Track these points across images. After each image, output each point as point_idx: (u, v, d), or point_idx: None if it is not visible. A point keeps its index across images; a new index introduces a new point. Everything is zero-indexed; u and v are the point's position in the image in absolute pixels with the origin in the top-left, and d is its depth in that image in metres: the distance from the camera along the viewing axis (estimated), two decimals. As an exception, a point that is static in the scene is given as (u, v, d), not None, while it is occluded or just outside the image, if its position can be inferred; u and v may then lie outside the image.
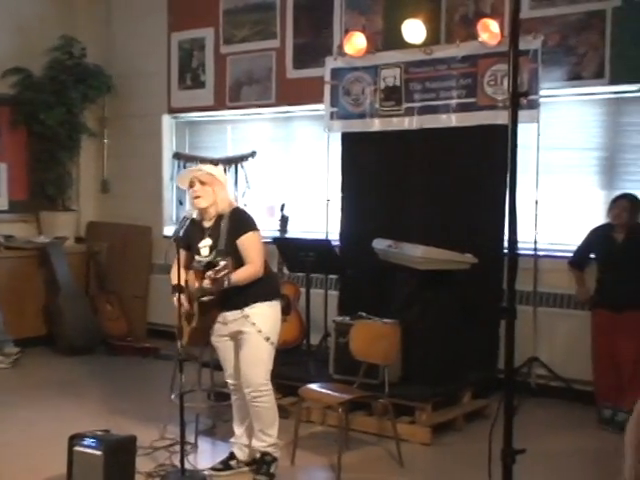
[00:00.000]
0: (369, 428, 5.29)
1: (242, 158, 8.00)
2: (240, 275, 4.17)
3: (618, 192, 5.90)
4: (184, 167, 8.18)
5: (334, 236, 7.09)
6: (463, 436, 5.33)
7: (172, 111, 8.55)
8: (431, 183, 6.55)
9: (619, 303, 5.56)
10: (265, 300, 4.31)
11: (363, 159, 6.95)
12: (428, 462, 4.97)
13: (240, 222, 4.30)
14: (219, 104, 8.11)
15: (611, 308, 5.64)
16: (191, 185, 4.30)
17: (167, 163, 8.59)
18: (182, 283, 4.20)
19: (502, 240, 6.06)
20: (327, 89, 7.08)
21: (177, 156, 8.51)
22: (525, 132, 5.56)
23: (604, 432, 5.46)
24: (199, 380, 5.32)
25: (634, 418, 1.90)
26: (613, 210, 5.72)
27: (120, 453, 4.05)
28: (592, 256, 5.93)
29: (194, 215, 4.37)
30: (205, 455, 4.91)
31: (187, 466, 4.33)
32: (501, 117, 6.04)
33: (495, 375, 5.87)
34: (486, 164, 6.20)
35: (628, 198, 5.71)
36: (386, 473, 4.69)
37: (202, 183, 4.27)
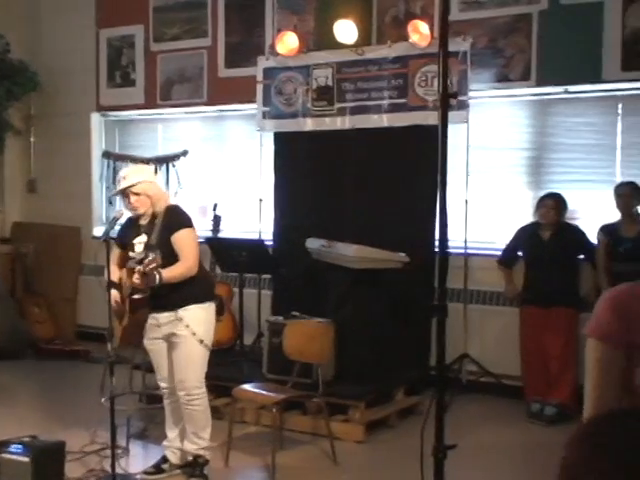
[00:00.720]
0: (303, 427, 5.30)
1: (173, 157, 7.91)
2: (172, 272, 4.10)
3: (545, 191, 6.04)
4: (114, 166, 8.05)
5: (267, 236, 7.08)
6: (396, 433, 5.38)
7: (101, 109, 8.40)
8: (364, 183, 6.59)
9: (546, 300, 5.69)
10: (199, 302, 4.27)
11: (296, 159, 6.95)
12: (362, 459, 5.01)
13: (175, 219, 4.25)
14: (150, 103, 8.01)
15: (538, 305, 5.77)
16: (125, 195, 4.23)
17: (96, 162, 8.43)
18: (115, 280, 4.15)
19: (433, 239, 6.14)
20: (259, 88, 7.06)
21: (107, 155, 8.36)
22: (455, 132, 5.64)
23: (532, 426, 5.59)
24: (130, 383, 5.25)
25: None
26: (540, 209, 5.85)
27: (48, 459, 3.97)
28: (520, 254, 6.06)
29: (130, 214, 4.33)
30: (137, 459, 4.84)
31: (118, 471, 4.25)
32: (432, 117, 6.12)
33: (427, 372, 5.96)
34: (417, 164, 6.27)
35: (554, 197, 5.85)
36: (320, 472, 4.71)
37: (136, 194, 4.21)
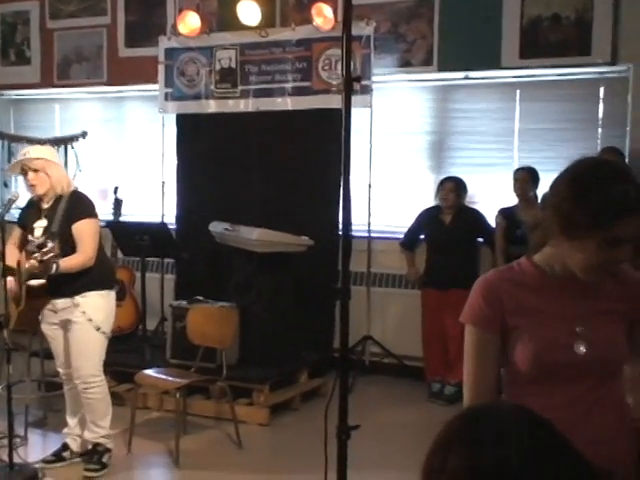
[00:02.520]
0: (207, 412, 5.27)
1: (72, 139, 7.66)
2: (69, 263, 4.03)
3: (446, 175, 6.16)
4: (9, 147, 7.75)
5: (170, 219, 6.97)
6: (300, 415, 5.42)
7: (-5, 88, 8.07)
8: (269, 166, 6.57)
9: (446, 282, 5.81)
10: (97, 289, 4.18)
11: (199, 141, 6.86)
12: (266, 442, 5.02)
13: (77, 207, 4.14)
14: (46, 82, 7.73)
15: (439, 287, 5.89)
16: (24, 173, 4.12)
17: (-10, 143, 8.10)
18: (14, 264, 4.03)
19: (337, 223, 6.18)
20: (161, 69, 6.92)
21: (1, 136, 8.04)
22: (358, 117, 5.68)
23: (433, 405, 5.72)
24: (28, 370, 5.09)
25: None
26: (440, 193, 5.97)
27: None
28: (422, 237, 6.16)
29: (30, 194, 4.22)
30: (36, 448, 4.71)
31: (17, 460, 4.13)
32: (335, 101, 6.13)
33: (331, 354, 6.01)
34: (321, 148, 6.28)
35: (454, 181, 5.97)
36: (225, 455, 4.70)
37: (35, 171, 4.09)
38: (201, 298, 5.60)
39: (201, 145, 6.84)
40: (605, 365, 1.90)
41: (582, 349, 1.87)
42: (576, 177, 1.84)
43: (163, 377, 4.78)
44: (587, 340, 1.88)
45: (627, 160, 5.45)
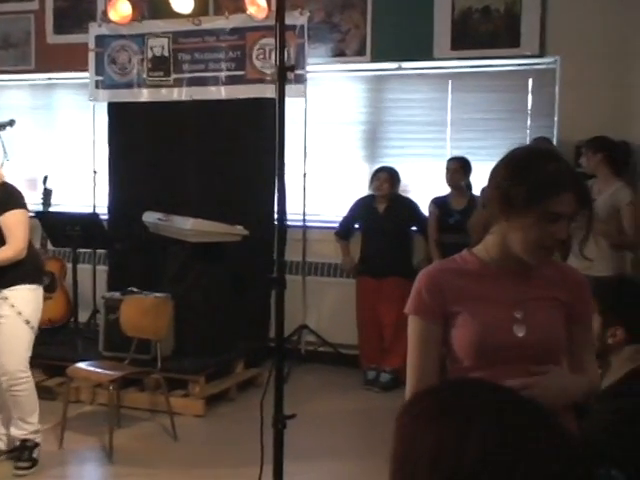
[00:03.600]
0: (142, 404, 5.21)
1: (-1, 127, 7.46)
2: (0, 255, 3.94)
3: (379, 165, 6.21)
4: None
5: (102, 209, 6.85)
6: (236, 406, 5.41)
7: None
8: (203, 155, 6.52)
9: (380, 270, 5.87)
10: (26, 283, 4.08)
11: (132, 130, 6.76)
12: (202, 434, 5.00)
13: (5, 199, 4.03)
14: (-28, 68, 7.51)
15: (373, 275, 5.94)
16: None
17: None
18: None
19: (272, 212, 6.17)
20: (91, 57, 6.78)
21: None
22: (293, 106, 5.68)
23: (369, 392, 5.78)
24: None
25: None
26: (374, 182, 6.02)
27: None
28: (357, 226, 6.20)
29: None
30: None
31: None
32: (270, 91, 6.11)
33: (266, 344, 6.00)
34: (256, 137, 6.26)
35: (387, 170, 6.03)
36: (160, 448, 4.66)
37: None
38: (135, 289, 5.53)
39: (134, 134, 6.74)
40: (543, 349, 1.96)
41: (521, 332, 1.93)
42: (512, 158, 1.95)
43: (96, 370, 4.71)
44: (526, 324, 1.94)
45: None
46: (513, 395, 1.17)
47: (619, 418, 2.32)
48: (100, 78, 6.79)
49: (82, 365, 4.76)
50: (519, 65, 6.10)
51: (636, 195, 5.10)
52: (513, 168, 1.91)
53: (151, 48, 6.61)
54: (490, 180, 1.97)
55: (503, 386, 1.21)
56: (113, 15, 6.60)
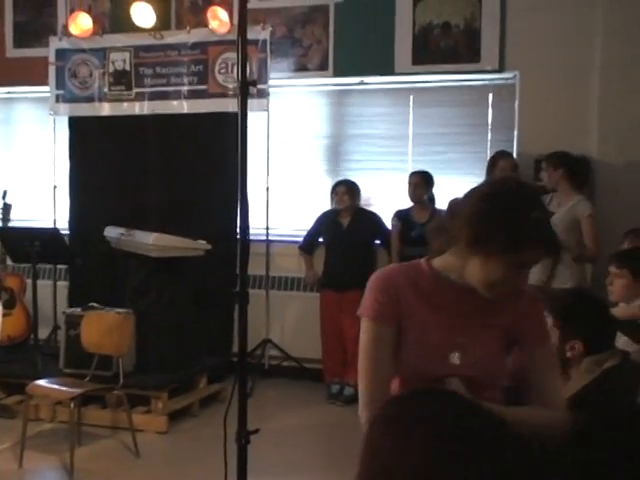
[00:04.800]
0: (103, 421, 5.15)
1: (-43, 141, 7.36)
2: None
3: (340, 178, 6.24)
4: None
5: (63, 224, 6.77)
6: (199, 421, 5.36)
7: None
8: (165, 170, 6.49)
9: (343, 284, 5.88)
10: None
11: (93, 144, 6.71)
12: (164, 450, 4.94)
13: None
14: None
15: (336, 289, 5.95)
16: None
17: None
18: None
19: (235, 226, 6.15)
20: (52, 70, 6.72)
21: None
22: (256, 120, 5.68)
23: (333, 406, 5.78)
24: None
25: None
26: (335, 196, 6.04)
27: None
28: (321, 240, 6.21)
29: None
30: None
31: None
32: (232, 105, 6.11)
33: (230, 359, 5.97)
34: (219, 151, 6.25)
35: (346, 184, 6.06)
36: (122, 466, 4.60)
37: None
38: (96, 305, 5.47)
39: (95, 148, 6.69)
40: (479, 376, 1.91)
41: (457, 360, 1.90)
42: (496, 194, 1.84)
43: (56, 387, 4.64)
44: (464, 351, 1.90)
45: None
46: (477, 406, 1.19)
47: (576, 429, 2.35)
48: (61, 92, 6.73)
49: (42, 382, 4.68)
50: (479, 80, 6.18)
51: (595, 208, 5.19)
52: (494, 207, 1.80)
53: (112, 62, 6.58)
54: (465, 206, 1.88)
55: (468, 399, 1.22)
56: (74, 29, 6.56)
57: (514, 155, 5.79)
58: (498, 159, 5.58)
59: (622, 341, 3.30)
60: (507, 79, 6.06)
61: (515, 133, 6.00)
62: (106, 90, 6.62)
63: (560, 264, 4.70)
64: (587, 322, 2.53)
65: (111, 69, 6.59)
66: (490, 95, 6.20)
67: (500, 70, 5.98)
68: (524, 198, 1.82)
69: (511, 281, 1.84)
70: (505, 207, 1.79)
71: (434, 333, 1.92)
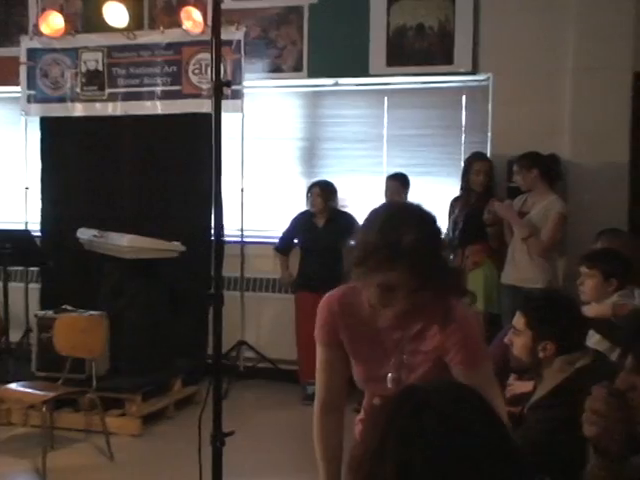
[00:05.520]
0: (76, 425, 5.10)
1: None
2: None
3: (315, 179, 6.24)
4: None
5: (34, 226, 6.71)
6: (174, 424, 5.33)
7: None
8: (139, 171, 6.45)
9: (318, 285, 5.84)
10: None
11: (65, 145, 6.65)
12: (139, 453, 4.91)
13: None
14: None
15: (311, 290, 5.93)
16: None
17: None
18: None
19: (210, 227, 6.12)
20: (23, 70, 6.66)
21: None
22: (230, 122, 5.67)
23: (308, 407, 5.73)
24: None
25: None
26: (309, 198, 6.04)
27: None
28: (296, 241, 6.21)
29: None
30: None
31: None
32: (206, 106, 6.09)
33: (205, 361, 5.95)
34: (193, 153, 6.23)
35: (319, 185, 6.05)
36: (96, 470, 4.56)
37: None
38: (69, 307, 5.42)
39: (67, 149, 6.63)
40: None
41: (391, 384, 1.96)
42: (366, 219, 1.94)
43: (28, 391, 4.60)
44: (398, 375, 1.97)
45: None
46: (465, 397, 1.19)
47: (549, 428, 2.37)
48: (32, 92, 6.67)
49: (14, 386, 4.65)
50: (453, 82, 6.21)
51: (566, 207, 5.24)
52: (363, 230, 1.92)
53: (85, 62, 6.53)
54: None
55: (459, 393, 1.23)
56: (45, 28, 6.49)
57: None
58: (473, 161, 5.61)
59: (593, 340, 3.34)
60: (480, 81, 6.10)
61: (489, 135, 6.03)
62: (78, 90, 6.56)
63: (532, 264, 4.72)
64: (558, 323, 2.55)
65: (83, 69, 6.53)
66: (464, 97, 6.23)
67: (473, 72, 6.01)
68: (375, 221, 1.89)
69: (384, 303, 1.86)
70: (361, 231, 1.90)
71: (369, 358, 2.02)
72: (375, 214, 1.91)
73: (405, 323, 1.95)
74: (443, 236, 1.99)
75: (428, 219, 1.88)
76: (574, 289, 3.95)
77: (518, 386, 3.25)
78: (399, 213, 1.91)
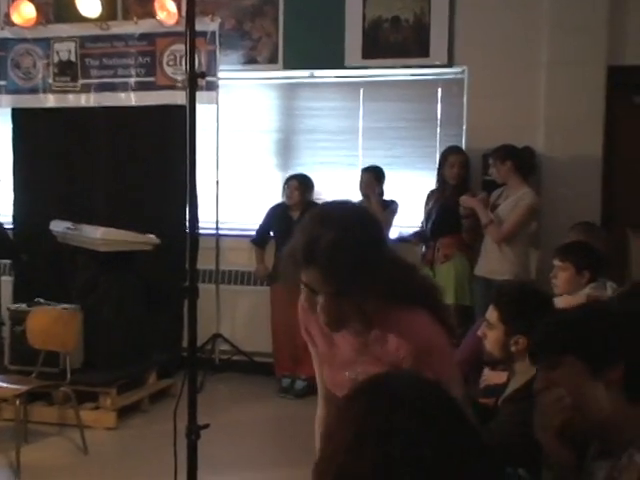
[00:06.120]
0: (50, 418, 5.06)
1: None
2: None
3: (291, 172, 6.23)
4: None
5: (7, 219, 6.63)
6: (149, 417, 5.31)
7: None
8: (113, 163, 6.40)
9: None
10: None
11: (38, 137, 6.57)
12: (114, 447, 4.89)
13: None
14: None
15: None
16: None
17: None
18: None
19: (184, 220, 6.07)
20: (-6, 61, 6.58)
21: None
22: (205, 114, 5.63)
23: (284, 400, 5.77)
24: None
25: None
26: (286, 191, 6.03)
27: None
28: (272, 234, 6.19)
29: None
30: None
31: None
32: (180, 97, 6.02)
33: (180, 354, 5.93)
34: (168, 145, 6.18)
35: (297, 178, 6.05)
36: (70, 463, 4.53)
37: None
38: (42, 300, 5.38)
39: (40, 141, 6.56)
40: None
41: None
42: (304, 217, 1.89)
43: (1, 384, 4.56)
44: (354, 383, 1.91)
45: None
46: (434, 393, 1.20)
47: (521, 420, 2.39)
48: (3, 83, 6.58)
49: (-14, 380, 4.60)
50: (428, 75, 6.22)
51: (539, 201, 5.28)
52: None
53: (57, 53, 6.45)
54: None
55: (427, 384, 1.24)
56: (16, 18, 6.41)
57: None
58: (447, 154, 5.64)
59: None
60: (456, 74, 6.12)
61: (464, 128, 6.05)
62: (51, 81, 6.49)
63: (500, 256, 4.71)
64: (530, 318, 2.57)
65: (56, 60, 6.46)
66: (439, 90, 6.25)
67: (449, 65, 6.02)
68: (305, 219, 1.84)
69: (311, 306, 1.85)
70: (296, 229, 1.85)
71: (331, 361, 2.01)
72: (309, 212, 1.86)
73: (356, 329, 1.90)
74: (384, 239, 1.88)
75: (357, 219, 1.78)
76: (547, 282, 3.99)
77: (492, 377, 3.28)
78: (326, 212, 1.83)
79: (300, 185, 5.98)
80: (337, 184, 6.41)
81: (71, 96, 6.46)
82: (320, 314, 1.80)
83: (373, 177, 5.87)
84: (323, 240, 1.71)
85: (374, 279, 1.75)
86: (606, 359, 1.64)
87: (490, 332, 2.64)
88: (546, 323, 1.79)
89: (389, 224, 5.70)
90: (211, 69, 6.00)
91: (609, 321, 1.70)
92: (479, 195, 5.42)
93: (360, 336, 1.92)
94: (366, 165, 6.05)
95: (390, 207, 5.82)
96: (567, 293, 3.77)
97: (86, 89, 6.42)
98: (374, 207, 5.78)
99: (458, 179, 5.57)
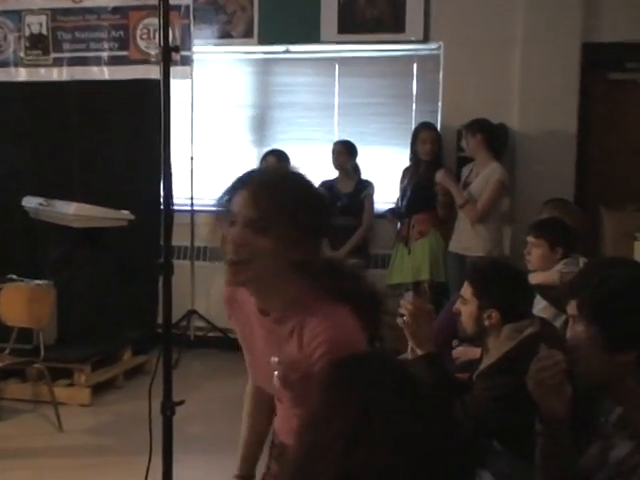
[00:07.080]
0: (24, 395, 5.05)
1: None
2: None
3: (267, 148, 6.20)
4: None
5: (-23, 194, 6.55)
6: (124, 394, 5.31)
7: None
8: (86, 138, 6.33)
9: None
10: None
11: (9, 111, 6.47)
12: (88, 423, 4.88)
13: None
14: None
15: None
16: None
17: None
18: None
19: (159, 196, 6.06)
20: (-37, 33, 6.45)
21: None
22: (179, 88, 5.58)
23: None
24: None
25: None
26: (263, 166, 5.99)
27: None
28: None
29: None
30: None
31: None
32: (154, 72, 5.91)
33: (155, 330, 5.91)
34: (142, 119, 6.12)
35: (275, 154, 6.02)
36: (44, 440, 4.53)
37: None
38: (14, 277, 5.33)
39: (11, 115, 6.46)
40: (297, 395, 1.83)
41: (276, 382, 1.84)
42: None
43: (-26, 362, 4.53)
44: (282, 376, 1.83)
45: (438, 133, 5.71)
46: (404, 372, 1.21)
47: (497, 395, 2.41)
48: (-27, 56, 6.47)
49: (-42, 357, 4.57)
50: (404, 50, 6.20)
51: (508, 176, 5.29)
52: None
53: (28, 25, 6.34)
54: None
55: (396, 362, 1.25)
56: (-14, -10, 6.30)
57: (438, 126, 5.86)
58: (419, 131, 5.65)
59: (539, 307, 3.40)
60: (431, 50, 6.10)
61: (439, 104, 6.05)
62: (22, 55, 6.38)
63: (473, 233, 4.73)
64: (503, 291, 2.59)
65: (27, 33, 6.35)
66: (415, 66, 6.24)
67: (424, 41, 6.01)
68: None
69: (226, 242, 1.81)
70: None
71: (259, 357, 1.97)
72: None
73: (279, 316, 1.83)
74: (323, 224, 1.81)
75: (309, 193, 1.80)
76: (521, 258, 4.02)
77: (466, 352, 3.31)
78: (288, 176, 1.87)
79: (278, 160, 5.95)
80: (312, 160, 6.40)
81: (43, 70, 6.36)
82: (229, 245, 1.73)
83: (344, 148, 5.87)
84: (267, 176, 1.81)
85: (298, 229, 1.69)
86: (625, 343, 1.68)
87: (465, 307, 2.66)
88: (604, 281, 1.75)
89: (370, 213, 5.77)
90: (185, 43, 5.93)
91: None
92: (442, 171, 5.36)
93: (281, 323, 1.82)
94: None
95: (366, 190, 5.83)
96: (540, 269, 3.80)
97: (58, 63, 6.32)
98: (349, 179, 5.78)
99: (431, 155, 5.58)
